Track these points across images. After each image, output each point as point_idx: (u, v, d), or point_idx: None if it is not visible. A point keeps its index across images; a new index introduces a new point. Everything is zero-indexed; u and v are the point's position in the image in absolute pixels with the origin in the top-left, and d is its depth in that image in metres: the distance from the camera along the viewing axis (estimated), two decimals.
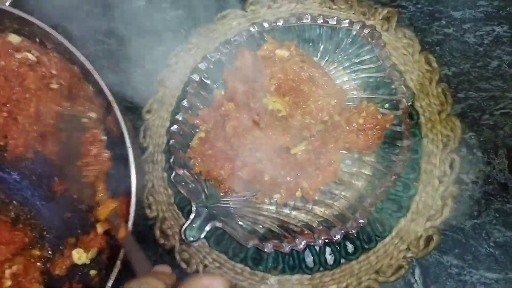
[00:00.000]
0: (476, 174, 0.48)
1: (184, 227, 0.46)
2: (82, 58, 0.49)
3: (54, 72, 0.49)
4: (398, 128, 0.46)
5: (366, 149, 0.47)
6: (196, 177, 0.49)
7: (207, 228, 0.46)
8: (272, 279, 0.48)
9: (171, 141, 0.50)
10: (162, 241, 0.52)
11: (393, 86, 0.48)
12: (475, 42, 0.53)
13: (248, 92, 0.48)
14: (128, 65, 0.61)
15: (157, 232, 0.53)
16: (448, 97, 0.51)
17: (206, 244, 0.51)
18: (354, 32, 0.51)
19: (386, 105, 0.49)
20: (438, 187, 0.48)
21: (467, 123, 0.50)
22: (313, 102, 0.44)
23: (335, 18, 0.51)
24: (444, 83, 0.51)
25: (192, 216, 0.47)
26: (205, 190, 0.49)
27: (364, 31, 0.50)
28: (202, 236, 0.46)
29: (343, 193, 0.49)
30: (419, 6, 0.55)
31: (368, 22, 0.54)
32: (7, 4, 0.61)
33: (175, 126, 0.50)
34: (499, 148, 0.49)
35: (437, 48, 0.53)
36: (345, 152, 0.49)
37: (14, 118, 0.49)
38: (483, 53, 0.52)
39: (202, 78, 0.52)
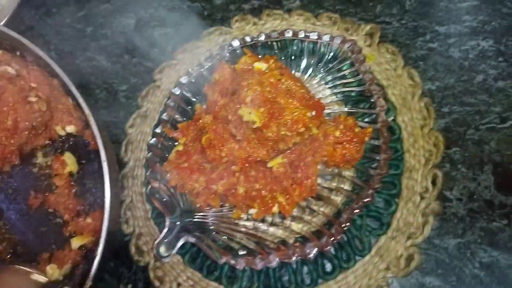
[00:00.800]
0: (460, 190, 0.46)
1: (156, 241, 0.45)
2: (60, 72, 0.49)
3: (33, 85, 0.50)
4: (376, 142, 0.45)
5: (345, 164, 0.46)
6: (172, 191, 0.49)
7: (180, 243, 0.45)
8: None
9: (148, 154, 0.50)
10: (136, 257, 0.51)
11: (372, 100, 0.47)
12: (460, 57, 0.52)
13: (227, 105, 0.48)
14: (115, 81, 0.62)
15: (132, 248, 0.51)
16: (431, 112, 0.49)
17: (181, 261, 0.49)
18: (335, 47, 0.50)
19: (366, 119, 0.48)
20: (420, 203, 0.46)
21: (451, 138, 0.49)
22: (288, 114, 0.43)
23: (316, 33, 0.50)
24: (427, 97, 0.50)
25: (165, 230, 0.45)
26: (181, 204, 0.48)
27: (345, 45, 0.49)
28: (174, 251, 0.45)
29: (321, 209, 0.47)
30: (403, 21, 0.55)
31: (350, 38, 0.53)
32: (1, 23, 0.63)
33: (154, 139, 0.50)
34: (484, 164, 0.47)
35: (421, 63, 0.52)
36: (323, 166, 0.48)
37: None
38: (468, 68, 0.51)
39: (183, 92, 0.52)
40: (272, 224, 0.48)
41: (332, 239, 0.42)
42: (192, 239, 0.45)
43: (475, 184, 0.47)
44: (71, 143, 0.54)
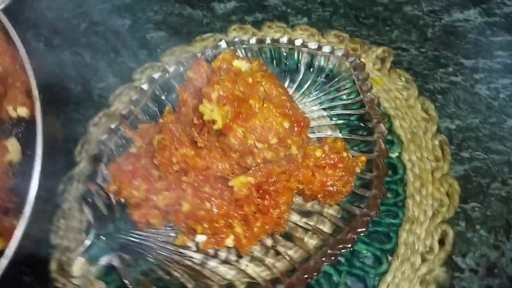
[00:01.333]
0: (476, 259, 0.35)
1: (71, 255, 0.35)
2: (20, 46, 0.43)
3: None
4: (368, 176, 0.35)
5: (328, 197, 0.36)
6: (111, 199, 0.39)
7: (101, 263, 0.35)
8: None
9: (96, 152, 0.41)
10: (54, 275, 0.41)
11: (370, 125, 0.37)
12: (488, 95, 0.42)
13: (195, 107, 0.40)
14: (94, 77, 0.56)
15: (53, 265, 0.41)
16: (446, 153, 0.39)
17: None
18: (336, 61, 0.42)
19: (363, 149, 0.38)
20: (420, 267, 0.35)
21: (471, 190, 0.38)
22: (260, 119, 0.34)
23: (316, 43, 0.43)
24: (443, 135, 0.40)
25: (85, 243, 0.36)
26: (116, 216, 0.39)
27: (348, 60, 0.41)
28: (92, 272, 0.35)
29: (289, 252, 0.36)
30: (422, 50, 0.47)
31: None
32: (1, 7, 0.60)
33: (106, 136, 0.42)
34: None
35: (440, 96, 0.43)
36: (302, 200, 0.38)
37: None
38: (497, 109, 0.42)
39: (155, 90, 0.45)
40: (225, 262, 0.38)
41: None
42: (115, 262, 0.35)
43: (498, 254, 0.35)
44: (21, 128, 0.47)
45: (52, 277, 0.41)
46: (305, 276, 0.31)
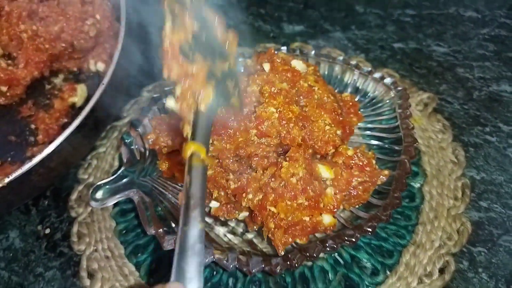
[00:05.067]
0: None
1: (98, 183, 0.38)
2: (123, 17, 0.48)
3: (97, 17, 0.50)
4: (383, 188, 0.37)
5: (347, 200, 0.37)
6: (145, 146, 0.43)
7: (121, 196, 0.38)
8: None
9: (144, 106, 0.45)
10: (72, 204, 0.44)
11: (400, 148, 0.39)
12: None
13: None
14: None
15: (75, 194, 0.45)
16: (465, 196, 0.41)
17: (112, 233, 0.41)
18: (382, 90, 0.45)
19: (389, 165, 0.40)
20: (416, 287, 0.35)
21: (481, 236, 0.39)
22: (317, 129, 0.37)
23: (369, 67, 0.46)
24: (466, 180, 0.42)
25: (112, 176, 0.39)
26: (146, 161, 0.42)
27: (396, 88, 0.44)
28: (111, 200, 0.37)
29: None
30: (465, 107, 0.49)
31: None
32: None
33: (158, 95, 0.46)
34: None
35: (472, 149, 0.45)
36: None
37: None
38: None
39: None
40: (232, 232, 0.39)
41: (277, 268, 0.32)
42: (135, 197, 0.37)
43: None
44: (94, 81, 0.52)
45: (70, 205, 0.44)
46: (303, 254, 0.32)
